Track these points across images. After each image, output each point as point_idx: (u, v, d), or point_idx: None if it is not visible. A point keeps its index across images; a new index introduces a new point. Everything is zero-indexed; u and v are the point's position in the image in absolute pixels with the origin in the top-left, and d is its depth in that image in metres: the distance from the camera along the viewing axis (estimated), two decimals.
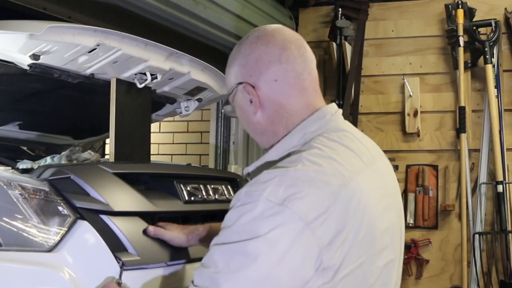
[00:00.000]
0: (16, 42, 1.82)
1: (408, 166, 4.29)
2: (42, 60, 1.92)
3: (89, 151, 2.35)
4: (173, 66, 2.21)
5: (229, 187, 2.07)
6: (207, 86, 2.47)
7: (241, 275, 1.20)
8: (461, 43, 4.02)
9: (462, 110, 4.03)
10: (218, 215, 1.91)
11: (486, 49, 3.97)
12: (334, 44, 4.26)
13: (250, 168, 1.44)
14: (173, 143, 5.46)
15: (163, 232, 1.65)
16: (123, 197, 1.66)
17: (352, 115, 4.23)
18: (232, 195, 2.01)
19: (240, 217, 1.23)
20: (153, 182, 1.85)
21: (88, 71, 2.10)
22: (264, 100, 1.39)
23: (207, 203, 1.92)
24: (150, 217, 1.70)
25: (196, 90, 2.49)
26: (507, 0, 4.14)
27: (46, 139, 2.80)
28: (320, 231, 1.20)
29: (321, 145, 1.32)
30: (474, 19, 4.08)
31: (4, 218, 1.46)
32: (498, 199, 3.91)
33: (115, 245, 1.54)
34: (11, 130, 2.62)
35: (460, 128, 4.04)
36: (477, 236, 3.94)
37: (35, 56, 1.89)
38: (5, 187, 1.49)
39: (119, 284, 1.48)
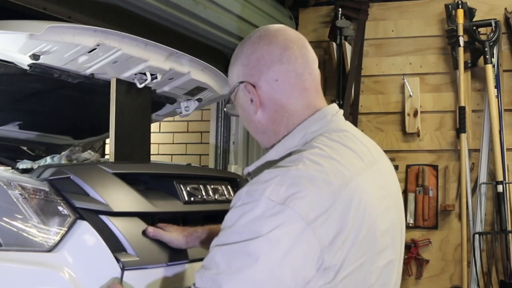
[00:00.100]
0: (16, 42, 1.82)
1: (408, 166, 4.29)
2: (42, 60, 1.92)
3: (89, 151, 2.35)
4: (173, 66, 2.21)
5: (229, 187, 2.07)
6: (207, 86, 2.47)
7: (243, 276, 1.19)
8: (461, 43, 4.02)
9: (462, 110, 4.03)
10: (218, 216, 1.91)
11: (486, 49, 3.96)
12: (334, 44, 4.26)
13: (251, 168, 1.44)
14: (173, 143, 5.46)
15: (162, 233, 1.65)
16: (123, 198, 1.66)
17: (352, 115, 4.23)
18: (232, 195, 2.01)
19: (241, 217, 1.22)
20: (153, 182, 1.84)
21: (88, 71, 2.10)
22: (264, 99, 1.39)
23: (207, 204, 1.92)
24: (149, 218, 1.70)
25: (196, 90, 2.49)
26: (507, 0, 4.14)
27: (46, 139, 2.80)
28: (321, 231, 1.20)
29: (322, 145, 1.32)
30: (474, 19, 4.08)
31: (4, 218, 1.46)
32: (498, 199, 3.91)
33: (114, 246, 1.54)
34: (11, 130, 2.62)
35: (460, 128, 4.04)
36: (477, 236, 3.94)
37: (35, 56, 1.89)
38: (5, 187, 1.49)
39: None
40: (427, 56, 4.31)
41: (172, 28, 3.49)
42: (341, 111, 1.45)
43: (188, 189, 1.86)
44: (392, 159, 4.12)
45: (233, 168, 4.33)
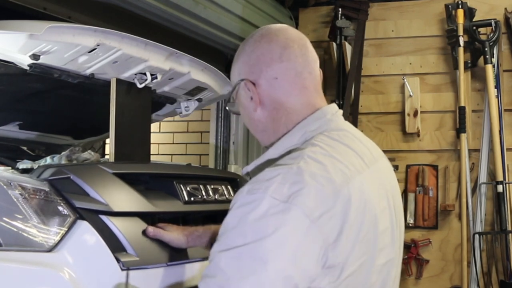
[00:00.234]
0: (16, 42, 1.82)
1: (408, 166, 4.29)
2: (42, 60, 1.92)
3: (89, 151, 2.35)
4: (173, 66, 2.21)
5: (229, 187, 2.07)
6: (207, 86, 2.47)
7: (253, 280, 1.17)
8: (461, 43, 4.02)
9: (462, 110, 4.03)
10: (218, 216, 1.91)
11: (486, 49, 3.96)
12: (334, 44, 4.26)
13: (250, 167, 1.43)
14: (173, 143, 5.46)
15: (163, 233, 1.65)
16: (123, 198, 1.66)
17: (352, 115, 4.23)
18: (232, 195, 2.01)
19: (243, 217, 1.21)
20: (153, 182, 1.84)
21: (88, 71, 2.10)
22: (264, 97, 1.40)
23: (207, 204, 1.92)
24: (149, 218, 1.70)
25: (196, 90, 2.49)
26: (507, 0, 4.14)
27: (46, 139, 2.80)
28: (326, 228, 1.20)
29: (322, 143, 1.32)
30: (474, 19, 4.08)
31: (4, 218, 1.46)
32: (498, 199, 3.91)
33: (115, 246, 1.54)
34: (11, 130, 2.62)
35: (460, 128, 4.04)
36: (477, 236, 3.94)
37: (35, 56, 1.89)
38: (5, 187, 1.49)
39: None
40: (427, 56, 4.31)
41: (172, 28, 3.49)
42: (341, 111, 1.45)
43: (188, 189, 1.86)
44: (392, 159, 4.13)
45: (233, 168, 4.33)
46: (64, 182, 1.58)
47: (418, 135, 4.25)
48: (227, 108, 1.54)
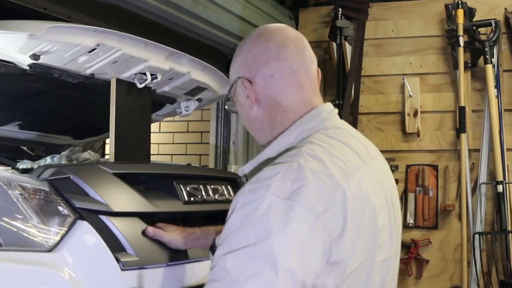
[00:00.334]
0: (16, 42, 1.82)
1: (408, 166, 4.29)
2: (42, 60, 1.92)
3: (89, 151, 2.35)
4: (173, 66, 2.21)
5: (229, 187, 2.07)
6: (207, 86, 2.47)
7: (260, 279, 1.15)
8: (461, 43, 4.02)
9: (462, 110, 4.03)
10: (218, 216, 1.92)
11: (486, 49, 3.96)
12: (334, 44, 4.26)
13: (247, 169, 1.43)
14: (173, 143, 5.46)
15: (162, 233, 1.65)
16: (123, 198, 1.66)
17: (352, 115, 4.23)
18: (232, 195, 2.01)
19: (246, 217, 1.20)
20: (152, 182, 1.84)
21: (88, 71, 2.10)
22: (260, 95, 1.40)
23: (206, 204, 1.92)
24: (149, 218, 1.70)
25: (196, 90, 2.49)
26: (507, 0, 4.14)
27: (46, 139, 2.80)
28: (330, 223, 1.20)
29: (320, 141, 1.32)
30: (474, 19, 4.08)
31: (4, 218, 1.46)
32: (498, 199, 3.91)
33: (114, 246, 1.54)
34: (11, 130, 2.62)
35: (460, 128, 4.04)
36: (477, 236, 3.94)
37: (35, 56, 1.89)
38: (5, 187, 1.49)
39: None
40: (427, 56, 4.31)
41: (172, 28, 3.49)
42: (336, 110, 1.46)
43: (188, 189, 1.86)
44: (392, 159, 4.13)
45: (233, 168, 4.33)
46: (64, 182, 1.59)
47: (418, 135, 4.25)
48: (226, 107, 1.54)
